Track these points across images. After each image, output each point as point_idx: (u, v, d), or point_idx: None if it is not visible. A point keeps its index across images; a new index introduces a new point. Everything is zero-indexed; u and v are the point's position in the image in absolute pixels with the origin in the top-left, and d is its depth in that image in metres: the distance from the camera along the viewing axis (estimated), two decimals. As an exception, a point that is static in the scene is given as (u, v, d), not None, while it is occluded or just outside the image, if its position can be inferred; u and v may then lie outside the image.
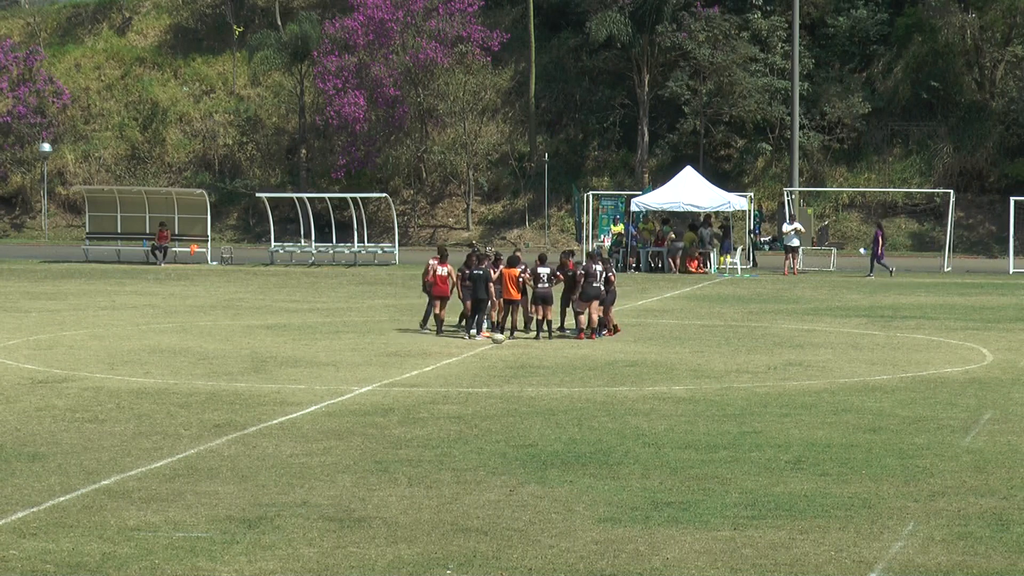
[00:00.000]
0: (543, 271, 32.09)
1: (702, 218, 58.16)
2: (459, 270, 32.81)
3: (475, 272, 32.15)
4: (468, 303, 32.47)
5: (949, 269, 57.86)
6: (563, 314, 33.61)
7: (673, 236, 57.12)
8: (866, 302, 42.26)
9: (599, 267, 32.17)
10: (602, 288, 32.02)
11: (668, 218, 58.18)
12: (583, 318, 32.22)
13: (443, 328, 33.01)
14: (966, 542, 13.74)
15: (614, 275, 33.04)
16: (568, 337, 32.13)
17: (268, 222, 65.85)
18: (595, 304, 32.03)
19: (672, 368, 26.75)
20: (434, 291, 32.95)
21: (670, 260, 55.82)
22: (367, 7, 74.11)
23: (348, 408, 21.73)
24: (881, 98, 72.98)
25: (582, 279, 31.97)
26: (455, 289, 32.96)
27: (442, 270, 33.00)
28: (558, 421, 20.55)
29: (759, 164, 73.36)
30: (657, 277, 52.91)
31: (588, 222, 60.05)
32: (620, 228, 58.70)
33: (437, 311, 32.94)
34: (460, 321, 33.50)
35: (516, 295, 32.47)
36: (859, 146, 73.15)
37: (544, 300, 32.13)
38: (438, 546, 13.51)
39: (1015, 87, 71.90)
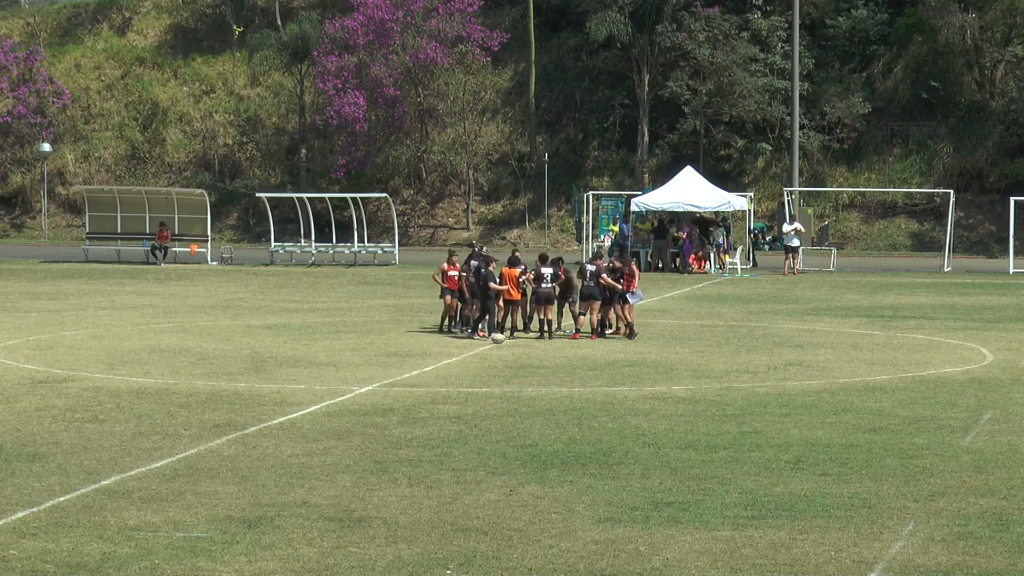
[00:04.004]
0: (546, 271, 32.02)
1: (716, 218, 58.17)
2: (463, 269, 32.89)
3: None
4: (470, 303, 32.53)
5: (949, 269, 57.86)
6: (560, 315, 33.65)
7: (648, 234, 57.24)
8: (866, 302, 42.26)
9: (592, 267, 32.15)
10: (596, 288, 32.01)
11: (667, 218, 58.16)
12: (584, 319, 32.24)
13: (444, 328, 33.12)
14: (966, 542, 13.73)
15: (605, 278, 32.92)
16: (564, 336, 32.13)
17: (268, 222, 65.82)
18: (595, 304, 32.07)
19: (672, 368, 26.75)
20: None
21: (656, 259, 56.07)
22: (367, 7, 74.07)
23: (348, 408, 21.73)
24: (881, 98, 72.95)
25: (579, 280, 32.05)
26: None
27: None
28: (558, 421, 20.54)
29: (759, 164, 73.33)
30: (657, 277, 52.86)
31: (588, 222, 60.03)
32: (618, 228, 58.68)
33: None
34: (444, 321, 33.45)
35: (516, 295, 32.46)
36: (859, 146, 73.12)
37: (546, 300, 32.11)
38: (438, 546, 13.51)
39: (1015, 87, 71.86)
